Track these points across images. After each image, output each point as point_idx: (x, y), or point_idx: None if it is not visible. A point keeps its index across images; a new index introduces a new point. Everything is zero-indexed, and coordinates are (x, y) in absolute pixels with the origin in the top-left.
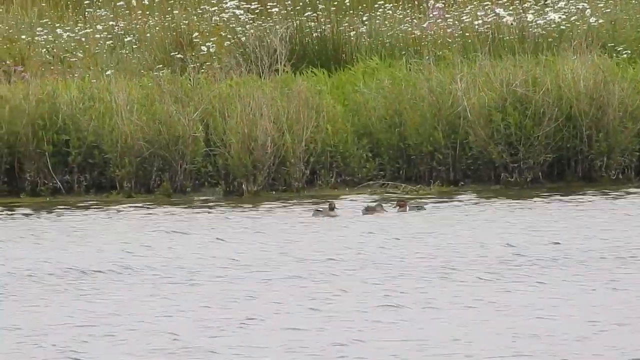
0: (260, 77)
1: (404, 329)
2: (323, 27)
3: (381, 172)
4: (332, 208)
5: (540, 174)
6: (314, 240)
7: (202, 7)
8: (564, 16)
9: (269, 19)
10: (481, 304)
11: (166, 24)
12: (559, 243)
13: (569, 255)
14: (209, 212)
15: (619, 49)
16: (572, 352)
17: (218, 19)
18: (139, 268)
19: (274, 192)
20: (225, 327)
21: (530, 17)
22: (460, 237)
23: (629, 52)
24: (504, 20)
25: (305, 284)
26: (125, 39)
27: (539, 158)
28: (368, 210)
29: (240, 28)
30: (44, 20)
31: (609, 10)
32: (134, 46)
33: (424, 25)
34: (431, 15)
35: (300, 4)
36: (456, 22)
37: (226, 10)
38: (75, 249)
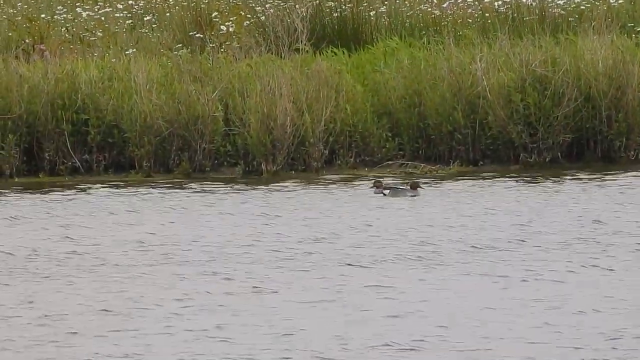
0: (280, 56)
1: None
2: (343, 7)
3: (400, 152)
4: (414, 187)
5: (559, 154)
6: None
7: None
8: None
9: None
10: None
11: (185, 3)
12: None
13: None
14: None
15: (638, 30)
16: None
17: None
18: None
19: (293, 172)
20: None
21: None
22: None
23: None
24: (524, 0)
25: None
26: (145, 18)
27: (558, 138)
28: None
29: (259, 7)
30: None
31: None
32: (153, 25)
33: (444, 5)
34: None
35: None
36: (476, 2)
37: None
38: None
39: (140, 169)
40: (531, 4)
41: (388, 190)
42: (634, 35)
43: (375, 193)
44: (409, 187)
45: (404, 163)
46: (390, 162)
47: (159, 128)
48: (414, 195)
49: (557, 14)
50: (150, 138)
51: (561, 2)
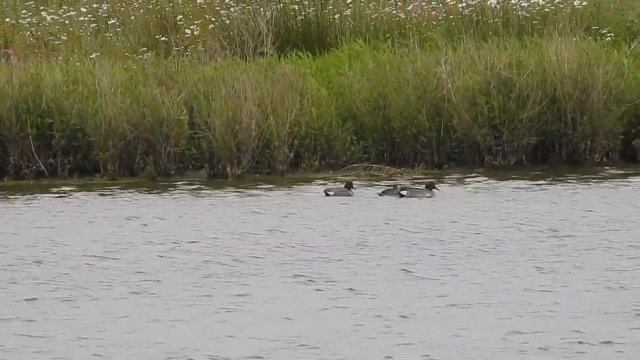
0: (245, 60)
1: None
2: (307, 10)
3: (365, 155)
4: (430, 187)
5: (524, 157)
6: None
7: None
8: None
9: (253, 1)
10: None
11: (150, 6)
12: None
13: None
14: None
15: (603, 32)
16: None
17: (202, 1)
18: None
19: (258, 175)
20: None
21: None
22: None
23: (613, 35)
24: (488, 3)
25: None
26: (109, 22)
27: (522, 141)
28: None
29: (224, 11)
30: (28, 3)
31: None
32: (118, 29)
33: (409, 8)
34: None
35: None
36: (440, 4)
37: None
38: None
39: (105, 172)
40: (495, 7)
41: (406, 191)
42: (598, 38)
43: (332, 194)
44: (425, 188)
45: (369, 166)
46: (355, 165)
47: (123, 132)
48: (431, 196)
49: (521, 16)
50: (115, 142)
51: (525, 5)
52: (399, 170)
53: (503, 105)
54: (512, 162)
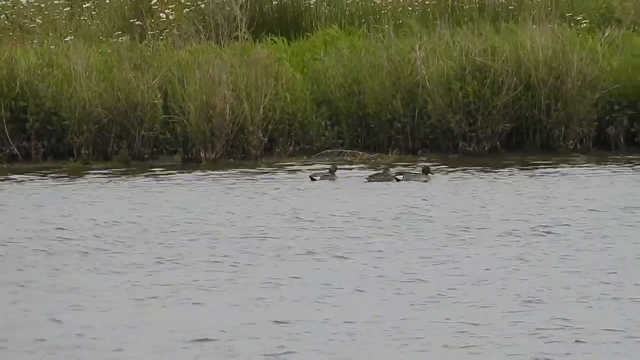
0: (220, 44)
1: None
2: None
3: (340, 140)
4: (426, 171)
5: (498, 143)
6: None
7: None
8: None
9: None
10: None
11: None
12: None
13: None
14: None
15: (577, 19)
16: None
17: None
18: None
19: (232, 160)
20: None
21: None
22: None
23: (588, 21)
24: None
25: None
26: (84, 5)
27: (497, 127)
28: (373, 177)
29: None
30: None
31: None
32: (92, 12)
33: None
34: None
35: None
36: None
37: None
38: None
39: (79, 156)
40: None
41: (402, 175)
42: (573, 24)
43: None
44: (421, 172)
45: (343, 151)
46: (329, 150)
47: (98, 115)
48: (426, 180)
49: (496, 2)
50: (89, 125)
51: None
52: (373, 155)
53: (477, 91)
54: (486, 148)
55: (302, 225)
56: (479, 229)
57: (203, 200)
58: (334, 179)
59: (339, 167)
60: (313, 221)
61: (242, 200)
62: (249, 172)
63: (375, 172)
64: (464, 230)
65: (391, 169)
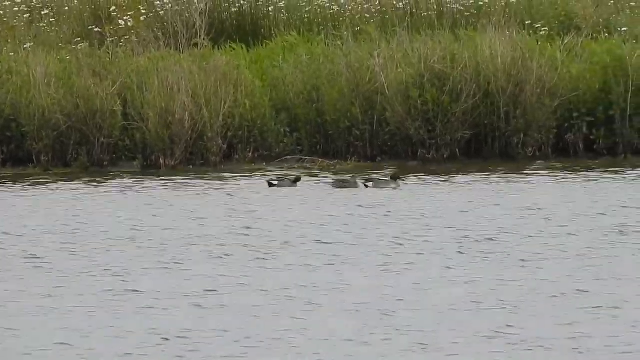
0: (179, 51)
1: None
2: (241, 2)
3: (299, 147)
4: (395, 178)
5: (457, 150)
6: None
7: None
8: None
9: None
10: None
11: None
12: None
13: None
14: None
15: (537, 26)
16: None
17: None
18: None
19: (191, 167)
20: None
21: None
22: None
23: (547, 29)
24: None
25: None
26: (43, 12)
27: (456, 134)
28: (340, 184)
29: (158, 2)
30: None
31: None
32: (51, 19)
33: (342, 1)
34: None
35: None
36: None
37: None
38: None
39: (38, 163)
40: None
41: (371, 182)
42: (531, 32)
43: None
44: (390, 179)
45: (302, 158)
46: (288, 157)
47: (57, 122)
48: (396, 187)
49: (455, 9)
50: (48, 132)
51: None
52: (331, 162)
53: (437, 98)
54: (445, 156)
55: (251, 231)
56: (417, 237)
57: (152, 207)
58: (293, 185)
59: (302, 173)
60: (262, 228)
61: (196, 207)
62: (205, 178)
63: (341, 178)
64: (404, 239)
65: (357, 177)
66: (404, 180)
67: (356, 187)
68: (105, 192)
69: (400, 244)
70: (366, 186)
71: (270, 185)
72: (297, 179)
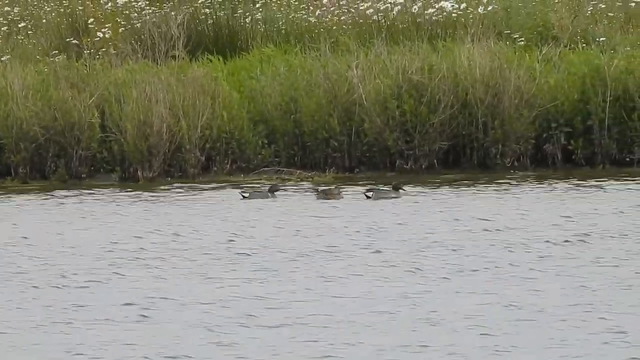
0: (157, 63)
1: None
2: (218, 14)
3: (277, 159)
4: (397, 188)
5: (435, 161)
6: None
7: None
8: (455, 5)
9: (164, 5)
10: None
11: (61, 9)
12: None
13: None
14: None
15: (515, 37)
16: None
17: (112, 5)
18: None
19: (169, 179)
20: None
21: (416, 7)
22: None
23: (525, 39)
24: (394, 9)
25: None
26: (20, 25)
27: (434, 145)
28: (323, 194)
29: (135, 14)
30: None
31: None
32: (29, 32)
33: (318, 12)
34: (325, 1)
35: None
36: (351, 9)
37: None
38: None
39: (16, 175)
40: (406, 12)
41: (372, 193)
42: (508, 43)
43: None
44: (391, 189)
45: (280, 170)
46: (266, 169)
47: (35, 135)
48: (397, 197)
49: (433, 20)
50: (26, 144)
51: (432, 11)
52: (309, 174)
53: (414, 109)
54: (423, 166)
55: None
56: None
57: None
58: (268, 197)
59: (281, 186)
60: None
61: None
62: (182, 190)
63: (324, 189)
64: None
65: (340, 187)
66: (405, 190)
67: (340, 198)
68: (80, 203)
69: (337, 255)
70: (367, 197)
71: (243, 197)
72: (274, 189)
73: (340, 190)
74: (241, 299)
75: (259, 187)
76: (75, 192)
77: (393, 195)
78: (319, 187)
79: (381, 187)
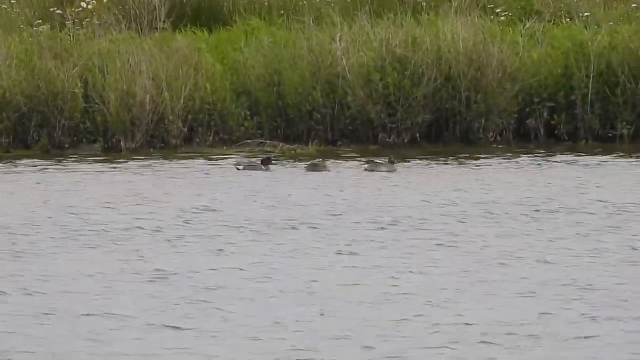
0: (140, 34)
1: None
2: None
3: (259, 131)
4: (391, 161)
5: (418, 134)
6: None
7: None
8: None
9: None
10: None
11: None
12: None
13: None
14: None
15: (498, 11)
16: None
17: None
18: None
19: (152, 149)
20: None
21: None
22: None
23: (509, 14)
24: None
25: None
26: None
27: (417, 118)
28: (312, 167)
29: None
30: None
31: None
32: (12, 1)
33: None
34: None
35: None
36: None
37: None
38: None
39: None
40: None
41: (367, 165)
42: (493, 17)
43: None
44: (387, 162)
45: (263, 142)
46: (248, 141)
47: (18, 104)
48: (391, 170)
49: None
50: (9, 114)
51: None
52: (292, 146)
53: (398, 82)
54: (405, 140)
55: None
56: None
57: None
58: (262, 169)
59: (274, 159)
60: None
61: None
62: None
63: (313, 162)
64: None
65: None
66: (397, 162)
67: (327, 170)
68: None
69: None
70: (366, 170)
71: (237, 169)
72: (267, 161)
73: (326, 163)
74: (216, 270)
75: (253, 159)
76: (56, 161)
77: (384, 169)
78: (310, 161)
79: (377, 160)
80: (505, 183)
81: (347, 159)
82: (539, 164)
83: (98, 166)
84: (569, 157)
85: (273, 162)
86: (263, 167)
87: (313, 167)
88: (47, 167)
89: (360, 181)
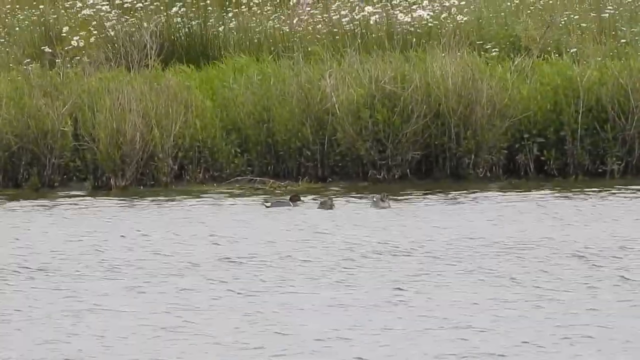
0: (130, 71)
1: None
2: (191, 23)
3: (249, 168)
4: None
5: (408, 171)
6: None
7: (69, 1)
8: (432, 14)
9: (136, 14)
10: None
11: (35, 17)
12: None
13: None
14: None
15: (487, 47)
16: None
17: (86, 13)
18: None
19: (142, 187)
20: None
21: (400, 15)
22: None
23: (497, 50)
24: (371, 18)
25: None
26: None
27: (407, 155)
28: (322, 205)
29: (108, 23)
30: None
31: (472, 7)
32: (2, 40)
33: (293, 22)
34: (299, 10)
35: None
36: (325, 19)
37: (92, 6)
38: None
39: None
40: (376, 21)
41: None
42: (482, 53)
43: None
44: (380, 199)
45: (253, 179)
46: (239, 178)
47: (8, 142)
48: (384, 207)
49: (405, 30)
50: None
51: (409, 19)
52: (282, 183)
53: (387, 119)
54: (396, 176)
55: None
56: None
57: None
58: (290, 206)
59: (301, 195)
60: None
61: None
62: (158, 199)
63: (322, 200)
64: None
65: (333, 198)
66: (388, 199)
67: (331, 208)
68: (51, 212)
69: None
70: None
71: (266, 207)
72: (295, 198)
73: (333, 201)
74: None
75: (281, 197)
76: (46, 200)
77: (382, 206)
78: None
79: (375, 198)
80: (494, 218)
81: (343, 195)
82: (528, 200)
83: (86, 203)
84: (559, 193)
85: (301, 199)
86: (291, 204)
87: (322, 205)
88: (35, 206)
89: (365, 218)
